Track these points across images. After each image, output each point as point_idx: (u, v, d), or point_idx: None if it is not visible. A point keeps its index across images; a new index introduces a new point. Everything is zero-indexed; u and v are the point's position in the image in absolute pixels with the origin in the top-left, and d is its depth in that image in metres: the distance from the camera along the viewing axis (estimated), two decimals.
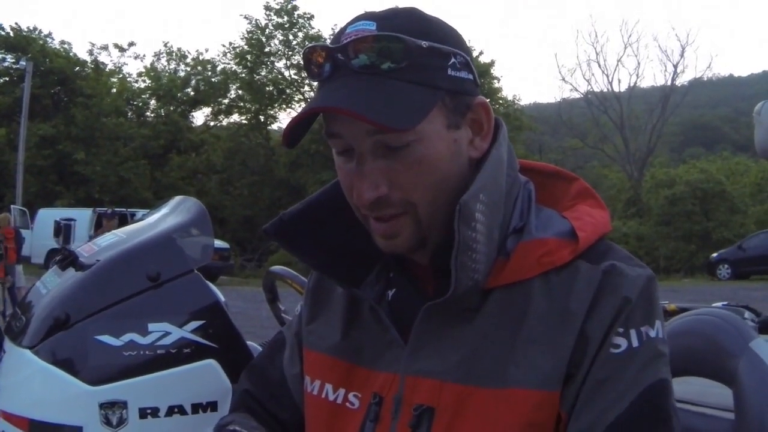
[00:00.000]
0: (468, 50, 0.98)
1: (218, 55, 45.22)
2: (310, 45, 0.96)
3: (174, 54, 38.44)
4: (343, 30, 0.95)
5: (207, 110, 37.85)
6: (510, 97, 37.72)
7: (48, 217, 22.04)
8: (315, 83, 0.99)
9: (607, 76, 52.33)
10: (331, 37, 0.99)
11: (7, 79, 33.64)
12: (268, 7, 33.83)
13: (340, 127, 0.95)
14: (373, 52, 0.90)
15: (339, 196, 1.04)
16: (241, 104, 36.18)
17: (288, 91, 35.01)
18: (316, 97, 0.94)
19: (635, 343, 0.91)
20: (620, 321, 0.91)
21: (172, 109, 36.48)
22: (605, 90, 41.88)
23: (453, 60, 0.94)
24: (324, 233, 1.08)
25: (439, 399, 0.95)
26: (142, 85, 38.01)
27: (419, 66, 0.91)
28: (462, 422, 0.93)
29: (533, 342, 0.93)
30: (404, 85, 0.91)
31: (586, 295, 0.93)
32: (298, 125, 0.94)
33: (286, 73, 34.82)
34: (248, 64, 34.57)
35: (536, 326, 0.93)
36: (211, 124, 38.30)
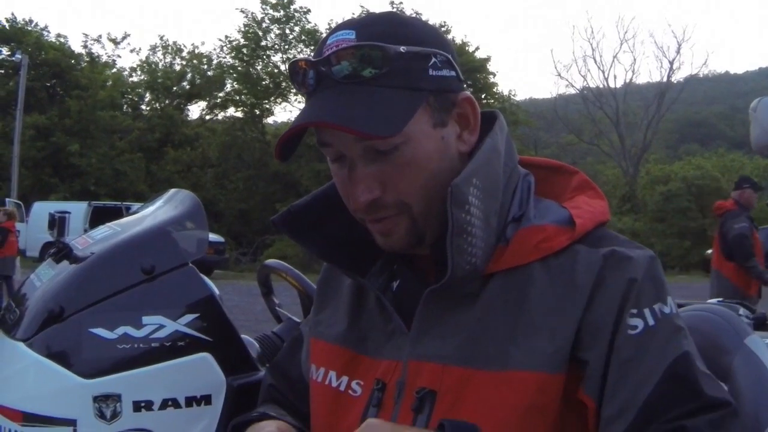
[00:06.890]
0: (449, 48, 1.00)
1: (215, 49, 45.17)
2: (292, 60, 0.99)
3: (170, 47, 38.35)
4: (324, 41, 0.97)
5: (202, 104, 37.84)
6: (506, 93, 37.80)
7: (43, 210, 22.00)
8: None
9: (603, 72, 52.80)
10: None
11: (2, 71, 33.49)
12: (264, 1, 33.78)
13: (330, 137, 0.98)
14: (354, 62, 0.92)
15: None
16: (237, 98, 36.08)
17: (284, 84, 34.86)
18: (303, 111, 0.96)
19: (651, 321, 0.92)
20: (631, 302, 0.92)
21: (167, 102, 36.41)
22: (601, 86, 42.10)
23: (433, 60, 0.96)
24: (330, 225, 1.11)
25: (441, 382, 0.96)
26: (137, 79, 37.93)
27: (400, 70, 0.93)
28: (463, 404, 0.94)
29: (534, 324, 0.94)
30: (387, 90, 0.93)
31: (587, 277, 0.94)
32: (288, 140, 0.97)
33: (282, 67, 34.67)
34: (244, 57, 34.47)
35: (537, 309, 0.94)
36: (207, 117, 38.24)
